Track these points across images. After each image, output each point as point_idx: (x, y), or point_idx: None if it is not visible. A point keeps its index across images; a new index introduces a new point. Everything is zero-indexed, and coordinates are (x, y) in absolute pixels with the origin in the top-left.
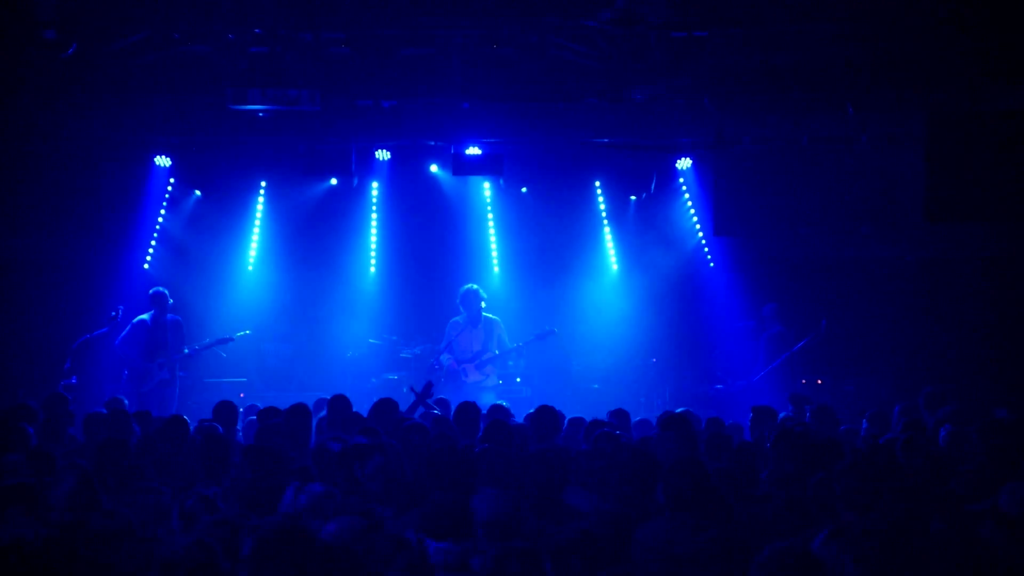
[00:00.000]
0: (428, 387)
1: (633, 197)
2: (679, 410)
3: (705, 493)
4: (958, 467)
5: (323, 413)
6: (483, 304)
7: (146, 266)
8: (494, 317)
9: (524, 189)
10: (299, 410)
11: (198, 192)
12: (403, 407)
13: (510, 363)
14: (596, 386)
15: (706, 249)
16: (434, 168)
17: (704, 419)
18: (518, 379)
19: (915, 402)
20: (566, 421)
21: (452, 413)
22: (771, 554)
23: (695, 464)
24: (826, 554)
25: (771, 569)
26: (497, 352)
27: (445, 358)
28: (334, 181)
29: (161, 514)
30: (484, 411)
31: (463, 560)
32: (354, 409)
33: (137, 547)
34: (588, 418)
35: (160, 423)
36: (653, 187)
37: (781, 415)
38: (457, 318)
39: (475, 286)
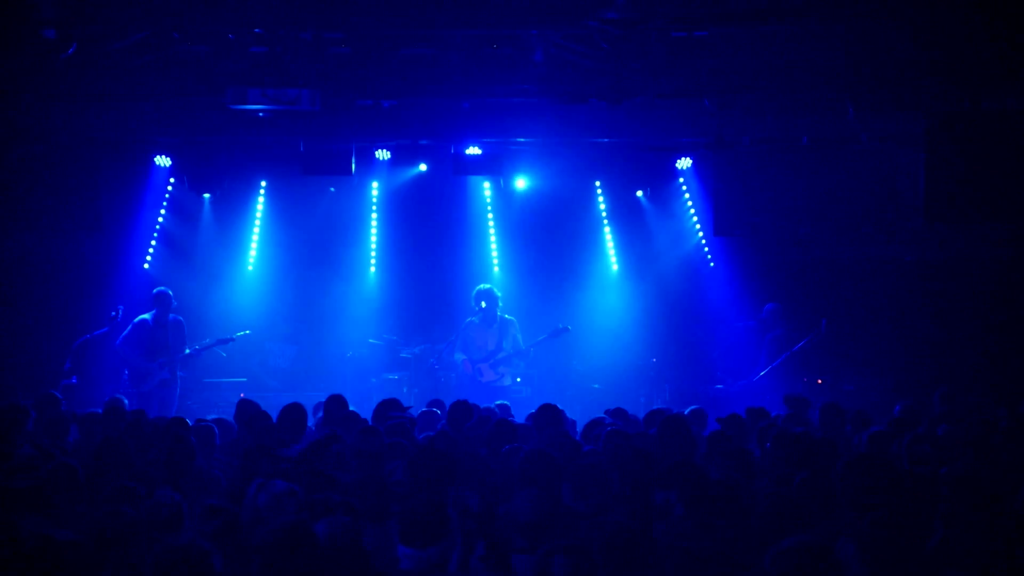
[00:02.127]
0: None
1: (640, 193)
2: (690, 409)
3: (711, 493)
4: (953, 466)
5: (320, 414)
6: (499, 304)
7: (146, 266)
8: (510, 317)
9: (524, 183)
10: (293, 409)
11: (207, 195)
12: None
13: (521, 363)
14: (596, 386)
15: (706, 249)
16: (431, 167)
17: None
18: (518, 379)
19: (917, 401)
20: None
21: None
22: (789, 546)
23: (693, 466)
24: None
25: (788, 561)
26: (511, 352)
27: (459, 357)
28: (333, 189)
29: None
30: (499, 412)
31: (440, 561)
32: (355, 409)
33: (132, 547)
34: (589, 418)
35: (160, 423)
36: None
37: (774, 415)
38: (472, 318)
39: (489, 285)
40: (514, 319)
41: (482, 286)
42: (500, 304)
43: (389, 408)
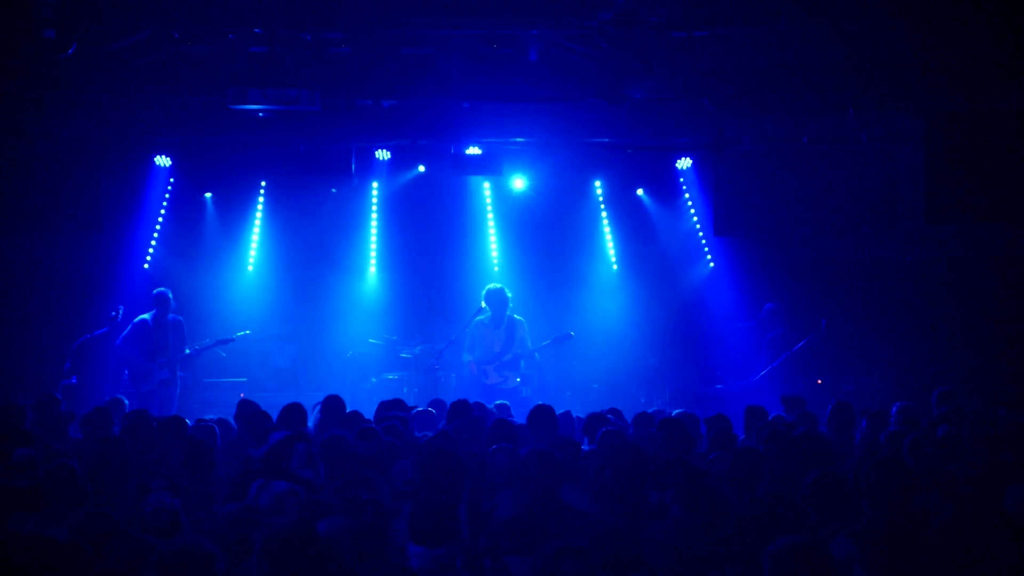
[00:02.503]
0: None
1: (640, 192)
2: (676, 412)
3: (708, 493)
4: (953, 465)
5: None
6: (509, 305)
7: (146, 266)
8: (519, 318)
9: (523, 182)
10: (292, 409)
11: (207, 195)
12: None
13: (521, 363)
14: (596, 386)
15: (706, 249)
16: (431, 167)
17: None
18: (518, 379)
19: (916, 402)
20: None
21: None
22: (784, 546)
23: (690, 466)
24: (840, 552)
25: (784, 560)
26: (518, 354)
27: (467, 357)
28: (334, 190)
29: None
30: (497, 412)
31: (449, 561)
32: (355, 409)
33: (131, 547)
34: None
35: (161, 423)
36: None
37: (773, 415)
38: (481, 317)
39: (500, 285)
40: (523, 320)
41: (492, 285)
42: (510, 305)
43: (388, 408)
